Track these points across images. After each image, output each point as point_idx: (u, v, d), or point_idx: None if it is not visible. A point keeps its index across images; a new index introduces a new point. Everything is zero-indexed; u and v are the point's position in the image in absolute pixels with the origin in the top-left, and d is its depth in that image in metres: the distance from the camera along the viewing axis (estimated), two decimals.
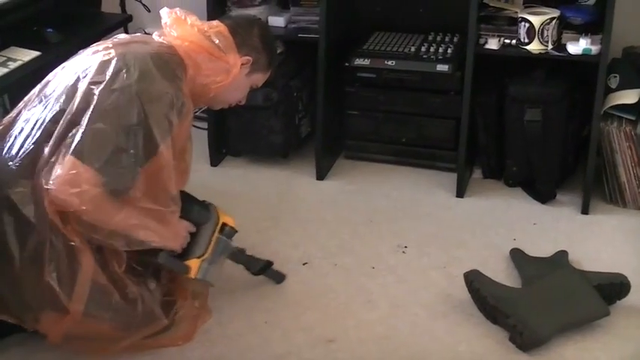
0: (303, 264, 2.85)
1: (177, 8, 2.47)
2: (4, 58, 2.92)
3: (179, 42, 2.41)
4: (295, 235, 3.03)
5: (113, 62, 2.27)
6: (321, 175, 3.46)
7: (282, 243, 2.89)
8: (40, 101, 2.35)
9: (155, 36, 2.47)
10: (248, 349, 2.49)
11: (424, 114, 3.40)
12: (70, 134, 2.18)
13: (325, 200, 3.30)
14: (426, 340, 2.51)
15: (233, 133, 3.54)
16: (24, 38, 3.02)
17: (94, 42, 3.35)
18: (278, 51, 2.62)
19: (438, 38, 3.47)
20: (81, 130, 2.17)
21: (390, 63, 3.34)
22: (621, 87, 3.11)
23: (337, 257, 2.88)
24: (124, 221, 2.23)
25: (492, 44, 3.09)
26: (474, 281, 2.58)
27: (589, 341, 2.47)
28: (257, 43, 2.53)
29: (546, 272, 2.67)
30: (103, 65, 2.28)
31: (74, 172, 2.13)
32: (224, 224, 2.56)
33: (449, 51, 3.33)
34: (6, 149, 2.31)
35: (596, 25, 3.02)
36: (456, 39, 3.44)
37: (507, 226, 3.09)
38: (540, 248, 2.90)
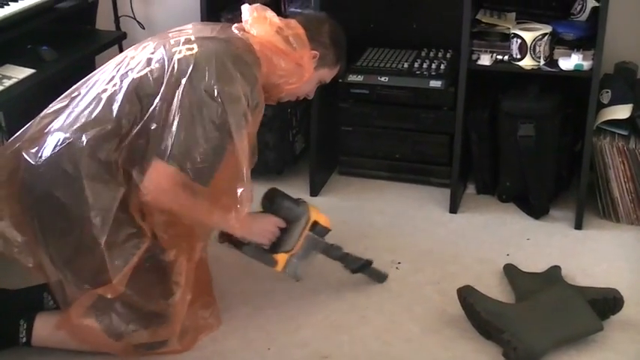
0: (297, 281, 2.85)
1: (258, 4, 2.53)
2: None
3: (257, 40, 2.47)
4: None
5: (196, 60, 2.33)
6: (315, 191, 3.46)
7: None
8: (118, 74, 2.39)
9: (235, 29, 2.51)
10: None
11: (418, 130, 3.41)
12: (159, 133, 2.26)
13: None
14: (421, 356, 2.50)
15: None
16: (19, 56, 3.03)
17: (89, 60, 3.42)
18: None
19: (431, 54, 3.48)
20: (170, 134, 2.25)
21: (383, 79, 3.35)
22: (613, 102, 3.12)
23: (331, 273, 2.88)
24: (204, 215, 2.38)
25: (485, 60, 3.11)
26: (468, 297, 2.58)
27: (583, 356, 2.47)
28: (326, 39, 2.60)
29: (540, 287, 2.68)
30: (188, 61, 2.33)
31: (168, 179, 2.25)
32: (315, 222, 2.64)
33: (442, 67, 3.35)
34: (77, 113, 2.35)
35: (588, 40, 3.03)
36: (448, 55, 3.45)
37: (501, 241, 3.10)
38: (534, 263, 2.90)
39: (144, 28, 3.87)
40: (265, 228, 2.58)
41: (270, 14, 2.51)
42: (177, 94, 2.28)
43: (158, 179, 2.25)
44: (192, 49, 2.37)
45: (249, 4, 2.54)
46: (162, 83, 2.31)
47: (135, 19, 3.88)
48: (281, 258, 2.59)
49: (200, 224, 2.44)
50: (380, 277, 2.85)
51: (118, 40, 3.62)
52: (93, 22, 3.58)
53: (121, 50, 3.71)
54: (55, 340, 2.45)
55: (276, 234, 2.60)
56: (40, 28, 3.19)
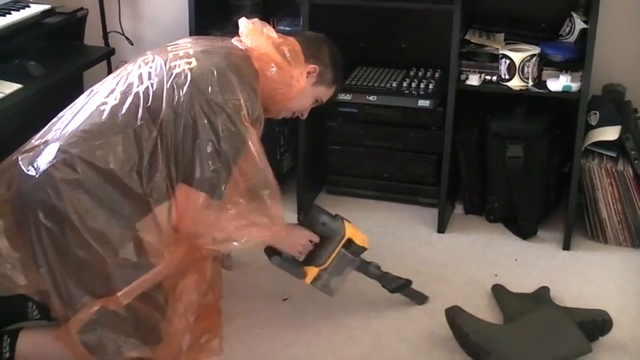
0: (284, 299, 2.84)
1: (256, 19, 2.55)
2: None
3: (254, 52, 2.49)
4: (275, 271, 2.99)
5: (194, 73, 2.34)
6: (302, 210, 3.45)
7: (263, 279, 2.87)
8: (118, 88, 2.38)
9: (234, 41, 2.53)
10: None
11: (406, 149, 3.41)
12: (173, 157, 2.29)
13: None
14: None
15: None
16: (6, 71, 3.01)
17: (77, 76, 3.39)
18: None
19: (420, 74, 3.49)
20: (185, 154, 2.28)
21: (371, 98, 3.35)
22: (601, 124, 3.13)
23: (318, 293, 2.85)
24: (227, 229, 2.36)
25: (473, 80, 3.11)
26: (456, 317, 2.57)
27: None
28: (325, 58, 2.62)
29: (528, 308, 2.67)
30: (186, 75, 2.34)
31: (195, 205, 2.30)
32: (350, 240, 2.64)
33: (430, 86, 3.35)
34: (76, 124, 2.33)
35: (576, 62, 3.04)
36: (437, 75, 3.46)
37: (489, 262, 3.09)
38: (522, 284, 2.90)
39: (132, 44, 3.86)
40: (296, 241, 2.61)
41: (268, 28, 2.53)
42: (179, 109, 2.29)
43: (188, 207, 2.31)
44: (191, 62, 2.37)
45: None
46: (163, 97, 2.31)
47: (123, 35, 3.87)
48: (311, 271, 2.63)
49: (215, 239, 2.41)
50: (420, 299, 2.83)
51: (106, 56, 3.61)
52: (81, 38, 3.56)
53: (109, 66, 3.70)
54: (38, 355, 2.42)
55: (307, 247, 2.63)
56: (28, 43, 3.17)
